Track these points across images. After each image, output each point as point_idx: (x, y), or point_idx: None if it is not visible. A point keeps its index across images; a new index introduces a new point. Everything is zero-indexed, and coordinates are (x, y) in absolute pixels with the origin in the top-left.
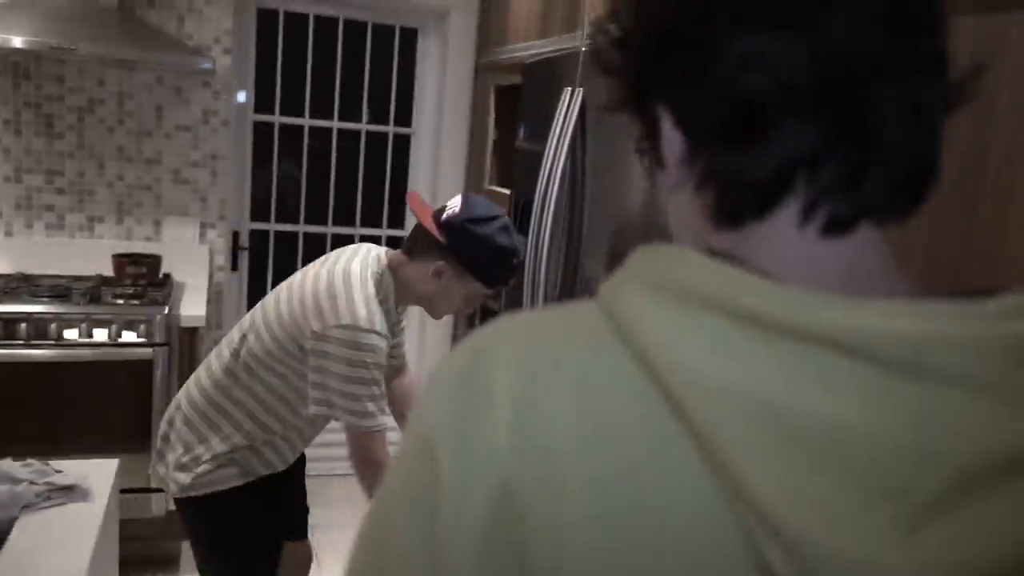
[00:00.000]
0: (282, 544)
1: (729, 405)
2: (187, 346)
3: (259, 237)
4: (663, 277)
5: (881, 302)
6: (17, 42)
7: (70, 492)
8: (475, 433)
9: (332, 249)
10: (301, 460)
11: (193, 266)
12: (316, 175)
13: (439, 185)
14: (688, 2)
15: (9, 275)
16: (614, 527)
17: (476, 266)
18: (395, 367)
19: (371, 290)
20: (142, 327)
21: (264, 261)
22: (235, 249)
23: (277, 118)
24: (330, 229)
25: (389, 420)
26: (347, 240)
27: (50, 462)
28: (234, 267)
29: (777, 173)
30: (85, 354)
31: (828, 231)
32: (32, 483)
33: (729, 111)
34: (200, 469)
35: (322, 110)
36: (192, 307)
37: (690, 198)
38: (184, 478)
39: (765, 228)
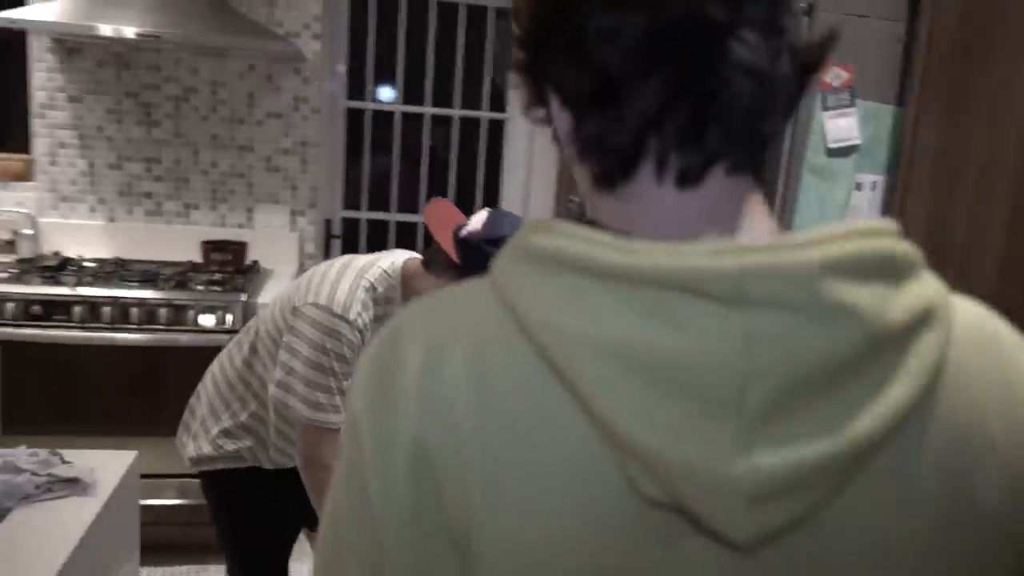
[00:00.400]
0: (296, 535)
1: (588, 350)
2: None
3: (350, 225)
4: (535, 247)
5: (708, 243)
6: (107, 31)
7: (72, 484)
8: (388, 405)
9: (423, 237)
10: None
11: (283, 253)
12: (408, 162)
13: (533, 173)
14: None
15: (105, 260)
16: (509, 471)
17: None
18: None
19: (365, 283)
20: (220, 313)
21: (355, 249)
22: (328, 237)
23: (369, 104)
24: (421, 218)
25: (340, 421)
26: None
27: (59, 451)
28: (326, 255)
29: (632, 135)
30: (164, 338)
31: (681, 183)
32: (34, 474)
33: (589, 83)
34: (209, 441)
35: (415, 96)
36: (272, 294)
37: (580, 169)
38: (193, 448)
39: (631, 188)
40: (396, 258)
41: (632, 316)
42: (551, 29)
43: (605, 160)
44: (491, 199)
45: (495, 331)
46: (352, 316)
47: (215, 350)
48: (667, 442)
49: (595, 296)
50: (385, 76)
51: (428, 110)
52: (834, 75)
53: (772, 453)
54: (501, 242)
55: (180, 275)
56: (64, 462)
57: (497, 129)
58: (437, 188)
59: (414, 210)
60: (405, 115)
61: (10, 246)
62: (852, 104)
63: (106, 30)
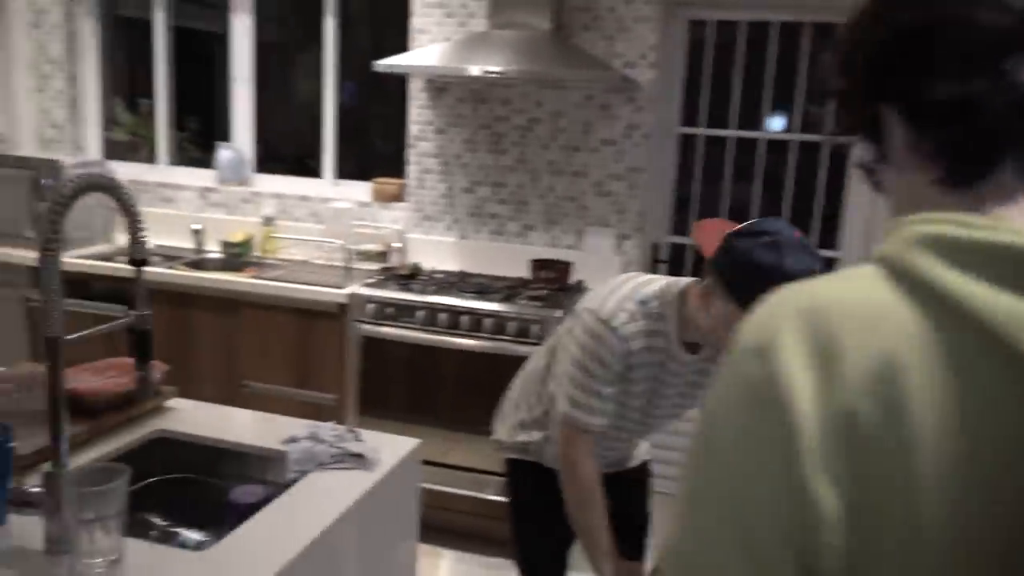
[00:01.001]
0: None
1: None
2: None
3: (677, 250)
4: (949, 237)
5: None
6: (475, 71)
7: (359, 460)
8: (829, 380)
9: None
10: (642, 472)
11: (608, 275)
12: (741, 188)
13: (880, 199)
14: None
15: (451, 272)
16: (956, 434)
17: (733, 283)
18: None
19: (639, 296)
20: (536, 327)
21: (680, 275)
22: (654, 261)
23: (702, 130)
24: None
25: (597, 423)
26: None
27: (356, 430)
28: None
29: (992, 137)
30: (487, 345)
31: None
32: (331, 446)
33: (950, 104)
34: (507, 429)
35: (750, 120)
36: None
37: (916, 177)
38: (499, 431)
39: (989, 185)
40: (680, 281)
41: None
42: (902, 60)
43: (961, 161)
44: (829, 226)
45: (918, 314)
46: (616, 324)
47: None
48: None
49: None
50: (720, 101)
51: (763, 135)
52: None
53: None
54: (749, 234)
55: (509, 289)
56: (358, 440)
57: (841, 154)
58: (771, 212)
59: None
60: (740, 140)
61: (382, 256)
62: None
63: (474, 71)
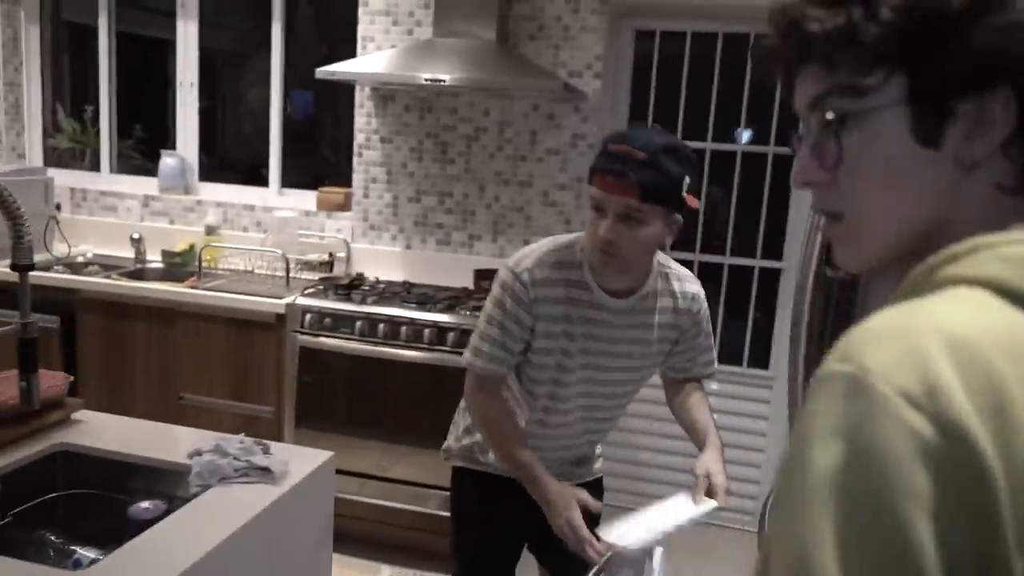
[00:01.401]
0: (516, 552)
1: None
2: None
3: None
4: None
5: None
6: (420, 79)
7: (265, 473)
8: (1004, 428)
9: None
10: (597, 489)
11: None
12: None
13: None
14: None
15: (396, 282)
16: None
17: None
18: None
19: (552, 247)
20: None
21: None
22: None
23: None
24: (697, 256)
25: (492, 368)
26: (715, 268)
27: (265, 442)
28: None
29: None
30: (428, 357)
31: None
32: (235, 459)
33: None
34: (458, 434)
35: (695, 130)
36: None
37: (984, 183)
38: (448, 439)
39: None
40: None
41: None
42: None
43: None
44: (773, 243)
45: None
46: (520, 269)
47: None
48: None
49: None
50: (668, 113)
51: (708, 145)
52: None
53: None
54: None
55: (452, 299)
56: (266, 453)
57: (784, 165)
58: (715, 217)
59: (690, 248)
60: None
61: (327, 266)
62: None
63: (420, 78)
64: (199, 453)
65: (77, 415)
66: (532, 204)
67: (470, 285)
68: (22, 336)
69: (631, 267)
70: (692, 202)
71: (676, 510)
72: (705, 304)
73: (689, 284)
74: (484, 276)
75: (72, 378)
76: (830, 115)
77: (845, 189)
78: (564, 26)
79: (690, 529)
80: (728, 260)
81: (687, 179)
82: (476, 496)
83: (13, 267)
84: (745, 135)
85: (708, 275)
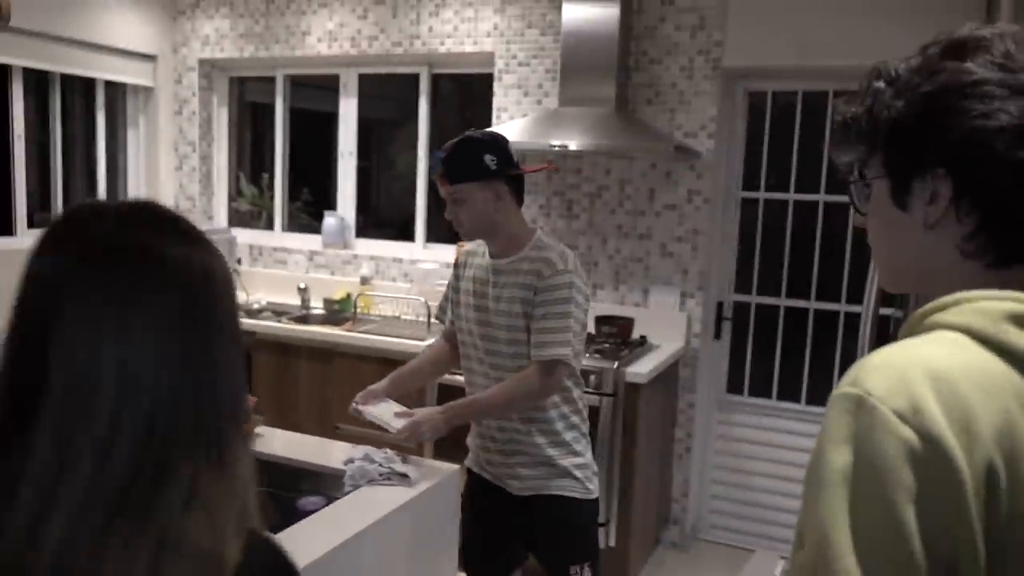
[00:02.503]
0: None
1: None
2: (631, 399)
3: (743, 308)
4: (1017, 311)
5: None
6: (548, 145)
7: (404, 478)
8: (970, 438)
9: (814, 324)
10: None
11: (670, 331)
12: (800, 249)
13: None
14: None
15: None
16: (1013, 461)
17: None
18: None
19: None
20: (594, 378)
21: (746, 333)
22: (719, 318)
23: (762, 194)
24: (812, 304)
25: (442, 317)
26: (830, 316)
27: (407, 456)
28: (717, 335)
29: None
30: None
31: None
32: (380, 465)
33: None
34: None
35: (808, 185)
36: (642, 366)
37: (949, 242)
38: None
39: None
40: None
41: None
42: (955, 126)
43: (1019, 243)
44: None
45: (997, 367)
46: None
47: (590, 410)
48: None
49: None
50: (779, 167)
51: (822, 197)
52: None
53: None
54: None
55: None
56: (404, 463)
57: None
58: (829, 273)
59: (806, 296)
60: (797, 203)
61: None
62: None
63: (549, 145)
64: (351, 461)
65: (259, 430)
66: (651, 255)
67: (592, 330)
68: None
69: (479, 232)
70: (521, 170)
71: (386, 410)
72: (561, 283)
73: (554, 258)
74: (605, 322)
75: (257, 399)
76: (854, 182)
77: (870, 238)
78: (679, 91)
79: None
80: (844, 307)
81: (487, 155)
82: (466, 491)
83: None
84: None
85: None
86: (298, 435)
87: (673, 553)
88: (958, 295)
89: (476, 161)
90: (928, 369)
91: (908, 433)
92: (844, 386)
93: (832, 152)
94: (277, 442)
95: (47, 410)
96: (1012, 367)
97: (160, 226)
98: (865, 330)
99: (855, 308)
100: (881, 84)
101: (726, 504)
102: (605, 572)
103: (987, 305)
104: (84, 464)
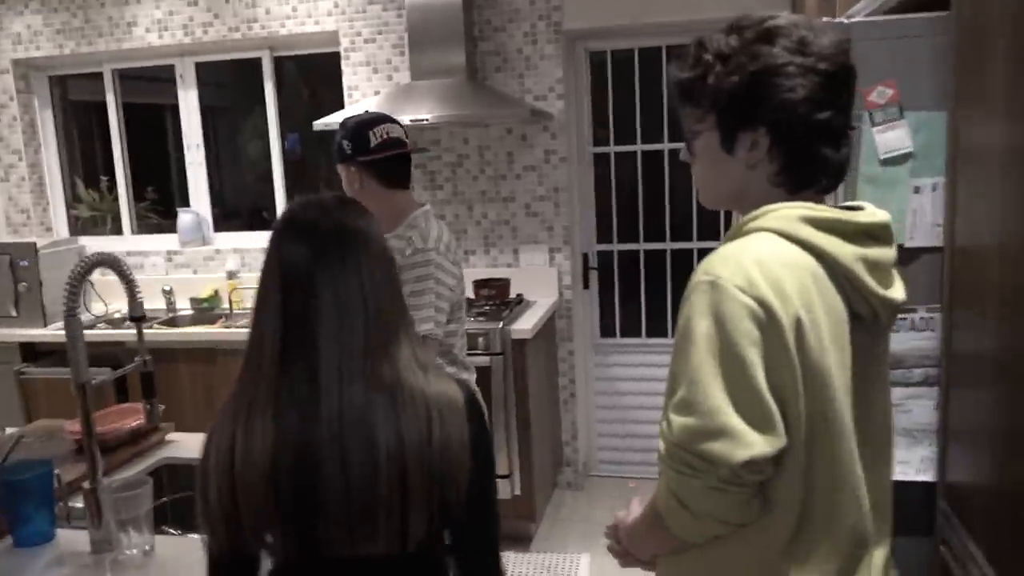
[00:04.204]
0: None
1: (851, 258)
2: (519, 355)
3: (605, 257)
4: (806, 215)
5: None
6: (404, 121)
7: None
8: (784, 300)
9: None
10: None
11: (544, 287)
12: (652, 196)
13: None
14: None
15: None
16: (810, 313)
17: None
18: None
19: None
20: (482, 339)
21: (611, 278)
22: (585, 269)
23: (612, 148)
24: (668, 245)
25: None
26: (686, 255)
27: None
28: (585, 285)
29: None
30: None
31: (822, 193)
32: None
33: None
34: None
35: (653, 135)
36: (524, 322)
37: (762, 176)
38: None
39: (803, 192)
40: None
41: (865, 245)
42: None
43: (820, 174)
44: (730, 223)
45: (798, 254)
46: None
47: (481, 369)
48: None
49: (844, 238)
50: (625, 122)
51: (667, 146)
52: (879, 94)
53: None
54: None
55: None
56: None
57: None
58: (681, 215)
59: (662, 239)
60: (644, 153)
61: None
62: (901, 116)
63: (404, 120)
64: None
65: (170, 436)
66: (517, 216)
67: (471, 295)
68: (143, 371)
69: None
70: (371, 156)
71: None
72: (418, 260)
73: (414, 236)
74: (482, 286)
75: (164, 406)
76: (687, 129)
77: (695, 171)
78: (525, 56)
79: None
80: (697, 245)
81: (344, 140)
82: None
83: (131, 319)
84: None
85: (651, 258)
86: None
87: (570, 493)
88: (766, 208)
89: (338, 144)
90: (754, 258)
91: (747, 300)
92: (699, 275)
93: (674, 109)
94: (192, 445)
95: (322, 326)
96: (805, 251)
97: (352, 210)
98: None
99: (708, 244)
100: (709, 58)
101: (612, 440)
102: (511, 519)
103: (786, 212)
104: (351, 347)
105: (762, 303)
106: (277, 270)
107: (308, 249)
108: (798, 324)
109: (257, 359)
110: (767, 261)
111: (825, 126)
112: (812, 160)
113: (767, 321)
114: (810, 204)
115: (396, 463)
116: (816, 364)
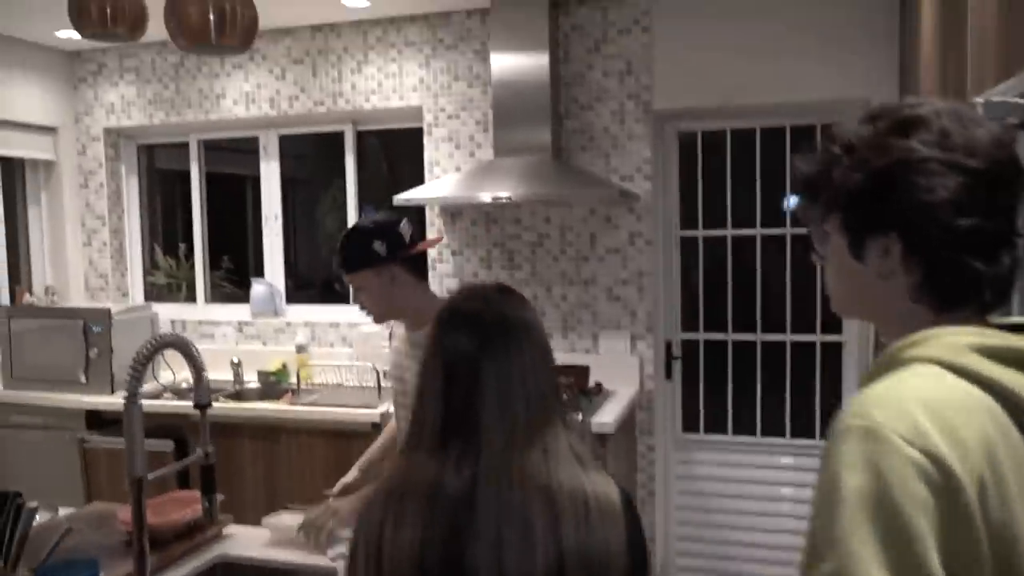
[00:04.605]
0: None
1: None
2: (599, 451)
3: (691, 345)
4: (975, 343)
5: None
6: (485, 198)
7: None
8: (963, 453)
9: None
10: None
11: (624, 375)
12: (743, 284)
13: None
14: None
15: None
16: (995, 470)
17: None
18: None
19: None
20: None
21: (696, 370)
22: (668, 358)
23: (701, 232)
24: (759, 336)
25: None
26: (778, 347)
27: None
28: (667, 375)
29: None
30: None
31: (984, 313)
32: None
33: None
34: None
35: (744, 219)
36: (606, 415)
37: (899, 288)
38: None
39: (959, 311)
40: None
41: None
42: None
43: (957, 292)
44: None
45: (974, 394)
46: None
47: None
48: None
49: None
50: (715, 204)
51: (759, 231)
52: None
53: None
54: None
55: None
56: None
57: None
58: (772, 305)
59: (752, 329)
60: (735, 239)
61: None
62: None
63: (485, 198)
64: (339, 554)
65: (228, 529)
66: (598, 300)
67: None
68: (204, 463)
69: (386, 315)
70: (411, 251)
71: None
72: None
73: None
74: (561, 373)
75: (223, 497)
76: (815, 229)
77: (826, 274)
78: (612, 136)
79: None
80: (790, 337)
81: (376, 242)
82: None
83: (196, 406)
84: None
85: (770, 351)
86: (264, 531)
87: None
88: (926, 333)
89: (366, 249)
90: (919, 398)
91: (915, 454)
92: (849, 418)
93: (796, 208)
94: (250, 540)
95: (485, 411)
96: (980, 388)
97: (513, 299)
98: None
99: (801, 337)
100: (837, 150)
101: (692, 544)
102: None
103: (951, 340)
104: (512, 421)
105: (935, 459)
106: (441, 358)
107: (472, 339)
108: (981, 485)
109: (416, 442)
110: (937, 402)
111: (973, 233)
112: (959, 273)
113: (942, 482)
114: (978, 328)
115: (555, 569)
116: (1002, 534)
